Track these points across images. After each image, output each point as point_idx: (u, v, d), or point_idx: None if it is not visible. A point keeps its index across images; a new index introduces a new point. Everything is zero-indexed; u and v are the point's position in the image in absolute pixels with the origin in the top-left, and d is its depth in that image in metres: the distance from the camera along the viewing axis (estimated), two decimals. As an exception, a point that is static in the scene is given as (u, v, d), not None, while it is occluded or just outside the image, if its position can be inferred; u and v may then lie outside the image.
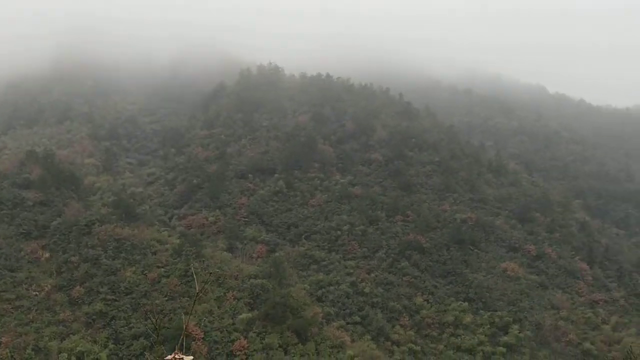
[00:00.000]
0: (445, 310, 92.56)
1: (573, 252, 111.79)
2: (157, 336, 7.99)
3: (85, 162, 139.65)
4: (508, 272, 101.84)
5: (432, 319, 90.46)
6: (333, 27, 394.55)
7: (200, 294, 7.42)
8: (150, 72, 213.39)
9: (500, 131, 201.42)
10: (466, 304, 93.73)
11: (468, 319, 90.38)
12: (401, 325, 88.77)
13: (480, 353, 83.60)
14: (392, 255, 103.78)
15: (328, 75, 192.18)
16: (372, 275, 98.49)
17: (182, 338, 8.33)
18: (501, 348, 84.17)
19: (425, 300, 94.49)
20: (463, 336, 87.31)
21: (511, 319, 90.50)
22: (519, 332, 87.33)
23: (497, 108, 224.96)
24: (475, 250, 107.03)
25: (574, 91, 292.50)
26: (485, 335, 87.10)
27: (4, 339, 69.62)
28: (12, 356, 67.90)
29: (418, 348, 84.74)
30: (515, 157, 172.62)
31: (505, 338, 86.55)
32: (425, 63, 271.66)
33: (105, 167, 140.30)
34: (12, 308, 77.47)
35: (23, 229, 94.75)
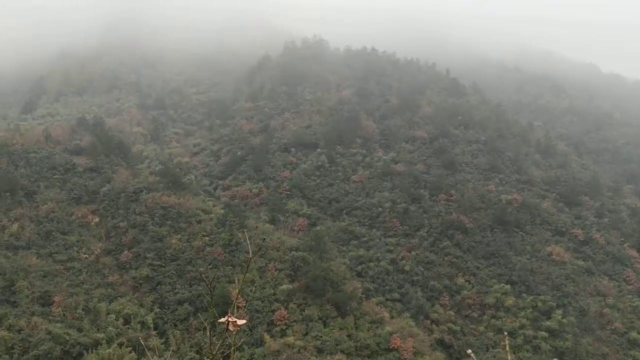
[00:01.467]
0: (486, 292, 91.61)
1: (622, 239, 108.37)
2: (211, 298, 7.95)
3: (134, 131, 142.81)
4: (553, 256, 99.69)
5: (473, 300, 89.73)
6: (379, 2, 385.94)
7: (252, 260, 7.36)
8: (196, 43, 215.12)
9: (549, 111, 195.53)
10: (509, 286, 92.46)
11: (510, 301, 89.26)
12: (441, 305, 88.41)
13: (522, 336, 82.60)
14: (434, 234, 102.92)
15: (373, 49, 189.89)
16: (413, 253, 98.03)
17: (234, 303, 8.34)
18: (543, 333, 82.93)
19: (466, 281, 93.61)
20: (504, 319, 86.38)
21: (555, 304, 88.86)
22: (562, 318, 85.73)
23: (548, 86, 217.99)
24: (520, 232, 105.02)
25: (629, 71, 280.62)
26: (527, 319, 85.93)
27: (56, 298, 72.52)
28: (64, 315, 70.79)
29: (457, 328, 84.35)
30: (565, 138, 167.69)
31: (548, 323, 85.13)
32: (473, 38, 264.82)
33: (152, 136, 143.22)
34: (64, 269, 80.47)
35: (74, 194, 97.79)
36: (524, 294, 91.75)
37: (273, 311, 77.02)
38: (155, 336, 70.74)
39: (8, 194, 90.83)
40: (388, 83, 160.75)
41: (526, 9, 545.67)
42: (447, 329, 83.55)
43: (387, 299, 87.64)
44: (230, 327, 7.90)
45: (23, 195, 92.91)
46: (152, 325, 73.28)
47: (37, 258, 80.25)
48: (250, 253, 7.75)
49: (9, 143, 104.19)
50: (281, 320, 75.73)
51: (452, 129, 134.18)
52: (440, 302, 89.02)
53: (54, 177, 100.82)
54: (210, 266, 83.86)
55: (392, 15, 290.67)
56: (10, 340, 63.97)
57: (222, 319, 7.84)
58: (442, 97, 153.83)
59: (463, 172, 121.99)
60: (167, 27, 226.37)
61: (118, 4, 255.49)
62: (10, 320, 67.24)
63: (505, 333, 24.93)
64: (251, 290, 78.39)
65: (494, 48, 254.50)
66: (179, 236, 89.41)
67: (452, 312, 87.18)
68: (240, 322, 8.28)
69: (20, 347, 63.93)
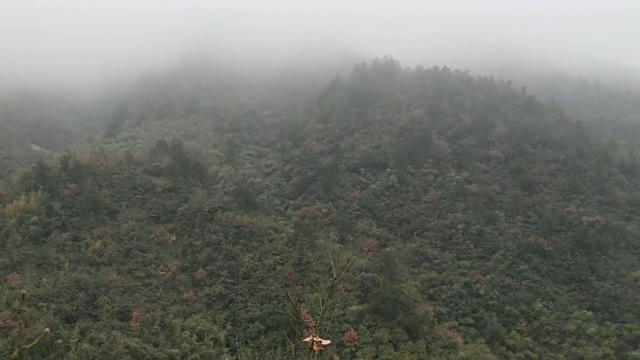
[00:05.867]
0: (567, 318, 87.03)
1: None
2: (297, 317, 8.00)
3: (210, 153, 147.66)
4: (639, 282, 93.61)
5: (552, 327, 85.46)
6: (451, 17, 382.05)
7: (337, 281, 7.31)
8: (269, 66, 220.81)
9: (634, 128, 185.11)
10: (590, 313, 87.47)
11: (592, 329, 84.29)
12: (518, 331, 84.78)
13: (606, 367, 77.74)
14: (510, 257, 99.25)
15: (445, 68, 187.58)
16: (488, 277, 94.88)
17: (318, 323, 8.33)
18: (630, 363, 77.68)
19: (545, 306, 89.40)
20: (586, 347, 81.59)
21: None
22: (652, 348, 79.99)
23: (631, 102, 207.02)
24: (603, 256, 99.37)
25: None
26: (612, 348, 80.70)
27: (135, 313, 75.46)
28: (141, 329, 73.49)
29: (535, 356, 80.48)
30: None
31: (635, 353, 79.54)
32: (550, 54, 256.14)
33: (227, 157, 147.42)
34: (142, 285, 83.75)
35: (153, 213, 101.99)
36: (608, 322, 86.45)
37: (343, 332, 76.50)
38: (227, 353, 71.98)
39: (92, 212, 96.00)
40: (461, 102, 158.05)
41: (606, 16, 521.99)
42: (524, 356, 79.91)
43: (460, 324, 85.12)
44: (315, 347, 7.92)
45: (106, 214, 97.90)
46: (224, 342, 74.65)
47: (118, 274, 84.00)
48: (334, 274, 7.79)
49: (94, 165, 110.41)
50: (351, 342, 75.05)
51: (529, 147, 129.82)
52: (517, 327, 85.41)
53: (135, 196, 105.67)
54: (281, 285, 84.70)
55: (465, 32, 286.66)
56: (91, 352, 67.04)
57: (307, 339, 7.88)
58: (518, 115, 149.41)
59: (541, 192, 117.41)
60: (241, 51, 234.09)
61: (196, 30, 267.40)
62: (92, 334, 70.53)
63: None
64: (319, 310, 78.33)
65: (572, 63, 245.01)
66: (251, 254, 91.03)
67: (529, 339, 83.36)
68: (325, 342, 8.29)
69: (100, 359, 66.84)
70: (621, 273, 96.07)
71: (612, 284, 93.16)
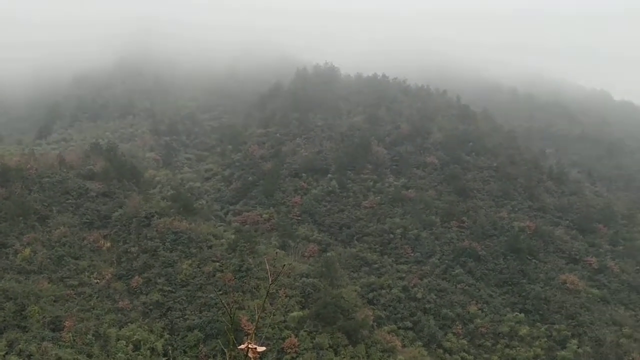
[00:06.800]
0: (500, 321, 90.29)
1: (638, 267, 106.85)
2: (232, 324, 7.94)
3: (146, 156, 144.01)
4: (567, 285, 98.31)
5: (487, 329, 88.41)
6: (390, 28, 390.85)
7: (271, 287, 7.31)
8: (209, 71, 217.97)
9: (562, 138, 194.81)
10: (522, 315, 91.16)
11: (524, 330, 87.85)
12: (454, 334, 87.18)
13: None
14: (446, 261, 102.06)
15: (384, 76, 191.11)
16: (425, 280, 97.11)
17: (254, 328, 8.32)
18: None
19: (479, 309, 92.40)
20: (518, 348, 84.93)
21: (570, 333, 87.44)
22: (578, 348, 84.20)
23: (559, 114, 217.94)
24: (534, 260, 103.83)
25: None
26: (542, 349, 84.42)
27: (67, 323, 72.33)
28: (74, 340, 70.49)
29: (471, 357, 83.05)
30: (578, 165, 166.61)
31: (563, 353, 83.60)
32: (484, 65, 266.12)
33: (165, 161, 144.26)
34: (75, 294, 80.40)
35: (86, 219, 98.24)
36: (538, 323, 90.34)
37: (284, 338, 76.19)
38: (164, 363, 70.14)
39: (21, 218, 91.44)
40: (399, 109, 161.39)
41: (538, 38, 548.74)
42: (460, 359, 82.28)
43: (399, 327, 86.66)
44: (250, 354, 7.81)
45: (36, 220, 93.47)
46: (161, 352, 72.72)
47: (49, 283, 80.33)
48: (270, 279, 7.69)
49: (23, 168, 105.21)
50: (291, 348, 74.84)
51: (463, 155, 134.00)
52: (453, 330, 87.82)
53: (67, 201, 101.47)
54: (221, 292, 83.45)
55: (403, 42, 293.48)
56: (20, 365, 63.72)
57: (242, 346, 7.77)
58: (453, 123, 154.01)
59: (475, 198, 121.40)
60: (180, 53, 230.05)
61: (133, 34, 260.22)
62: (20, 345, 67.09)
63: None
64: (260, 317, 77.76)
65: (505, 75, 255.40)
66: (190, 261, 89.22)
67: (465, 341, 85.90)
68: (260, 349, 8.18)
69: (29, 372, 63.62)
70: (550, 276, 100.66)
71: (542, 287, 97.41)
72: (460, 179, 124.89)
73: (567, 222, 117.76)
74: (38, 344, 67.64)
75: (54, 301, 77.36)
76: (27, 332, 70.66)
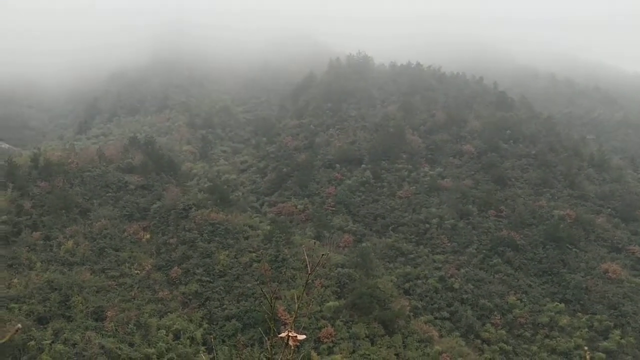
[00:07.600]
0: (539, 311, 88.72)
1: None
2: (272, 314, 7.97)
3: (183, 149, 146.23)
4: (609, 274, 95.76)
5: (525, 319, 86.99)
6: (425, 13, 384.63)
7: (310, 277, 7.29)
8: (243, 62, 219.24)
9: (602, 123, 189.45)
10: (562, 305, 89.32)
11: (564, 320, 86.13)
12: (492, 324, 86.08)
13: (577, 357, 79.44)
14: (484, 251, 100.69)
15: (418, 64, 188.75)
16: (462, 271, 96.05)
17: (294, 317, 8.33)
18: (600, 354, 79.42)
19: (518, 299, 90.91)
20: (558, 338, 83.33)
21: (612, 324, 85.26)
22: (621, 338, 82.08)
23: (600, 99, 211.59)
24: (574, 249, 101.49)
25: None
26: (583, 339, 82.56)
27: (109, 313, 74.39)
28: (116, 329, 72.47)
29: (509, 348, 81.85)
30: (619, 152, 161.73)
31: (605, 343, 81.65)
32: (521, 50, 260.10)
33: (201, 154, 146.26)
34: (116, 285, 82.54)
35: (126, 211, 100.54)
36: (579, 313, 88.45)
37: (320, 328, 76.67)
38: (204, 352, 71.49)
39: (64, 211, 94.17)
40: (434, 97, 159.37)
41: (576, 20, 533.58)
42: (498, 349, 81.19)
43: (435, 318, 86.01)
44: (290, 342, 7.87)
45: (78, 213, 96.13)
46: (201, 341, 74.13)
47: (91, 274, 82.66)
48: (309, 269, 7.69)
49: (64, 162, 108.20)
50: (328, 338, 75.26)
51: (501, 143, 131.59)
52: (492, 321, 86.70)
53: (107, 194, 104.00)
54: (258, 282, 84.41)
55: (438, 28, 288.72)
56: (65, 354, 65.87)
57: (283, 334, 7.83)
58: (489, 110, 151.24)
59: (513, 187, 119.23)
60: (213, 46, 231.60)
61: (166, 26, 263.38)
62: (65, 334, 69.31)
63: (586, 348, 23.91)
64: (298, 307, 78.27)
65: (543, 60, 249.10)
66: (227, 252, 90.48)
67: (503, 332, 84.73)
68: (301, 337, 8.22)
69: (75, 360, 65.71)
70: (591, 265, 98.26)
71: (582, 276, 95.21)
72: (498, 167, 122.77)
73: (609, 210, 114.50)
74: (82, 333, 69.76)
75: (97, 292, 79.59)
76: (71, 321, 72.96)
